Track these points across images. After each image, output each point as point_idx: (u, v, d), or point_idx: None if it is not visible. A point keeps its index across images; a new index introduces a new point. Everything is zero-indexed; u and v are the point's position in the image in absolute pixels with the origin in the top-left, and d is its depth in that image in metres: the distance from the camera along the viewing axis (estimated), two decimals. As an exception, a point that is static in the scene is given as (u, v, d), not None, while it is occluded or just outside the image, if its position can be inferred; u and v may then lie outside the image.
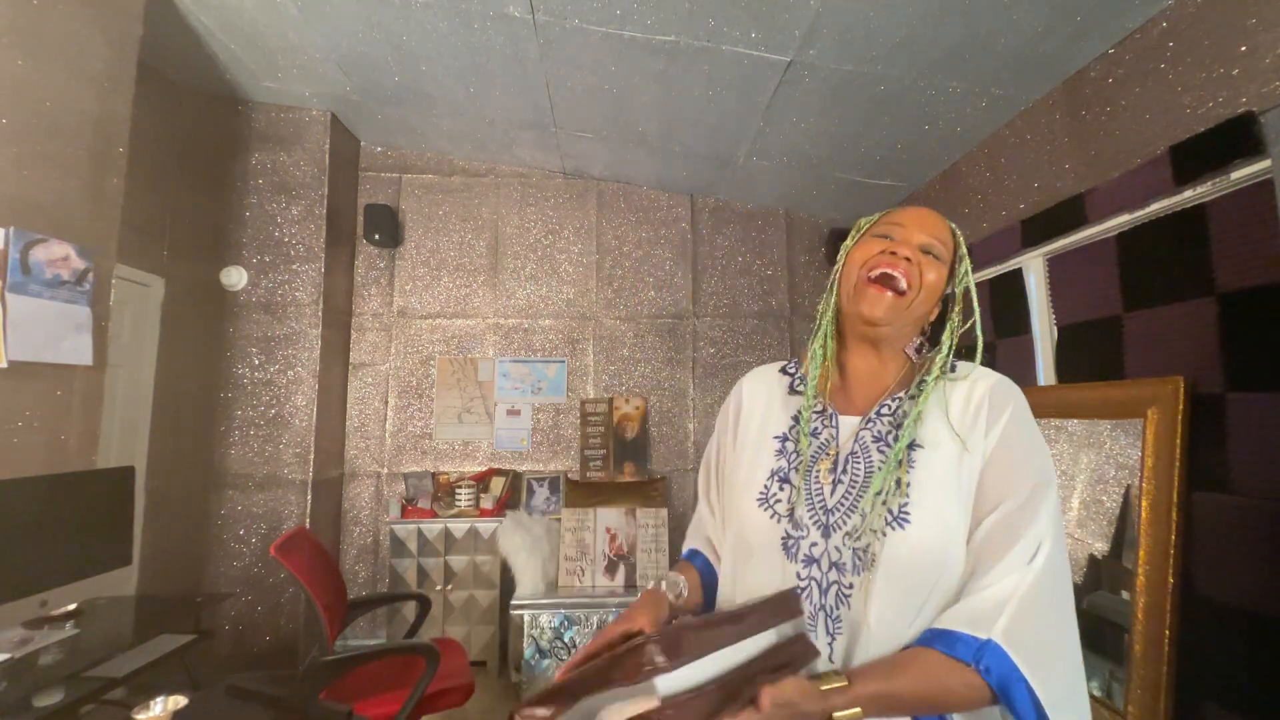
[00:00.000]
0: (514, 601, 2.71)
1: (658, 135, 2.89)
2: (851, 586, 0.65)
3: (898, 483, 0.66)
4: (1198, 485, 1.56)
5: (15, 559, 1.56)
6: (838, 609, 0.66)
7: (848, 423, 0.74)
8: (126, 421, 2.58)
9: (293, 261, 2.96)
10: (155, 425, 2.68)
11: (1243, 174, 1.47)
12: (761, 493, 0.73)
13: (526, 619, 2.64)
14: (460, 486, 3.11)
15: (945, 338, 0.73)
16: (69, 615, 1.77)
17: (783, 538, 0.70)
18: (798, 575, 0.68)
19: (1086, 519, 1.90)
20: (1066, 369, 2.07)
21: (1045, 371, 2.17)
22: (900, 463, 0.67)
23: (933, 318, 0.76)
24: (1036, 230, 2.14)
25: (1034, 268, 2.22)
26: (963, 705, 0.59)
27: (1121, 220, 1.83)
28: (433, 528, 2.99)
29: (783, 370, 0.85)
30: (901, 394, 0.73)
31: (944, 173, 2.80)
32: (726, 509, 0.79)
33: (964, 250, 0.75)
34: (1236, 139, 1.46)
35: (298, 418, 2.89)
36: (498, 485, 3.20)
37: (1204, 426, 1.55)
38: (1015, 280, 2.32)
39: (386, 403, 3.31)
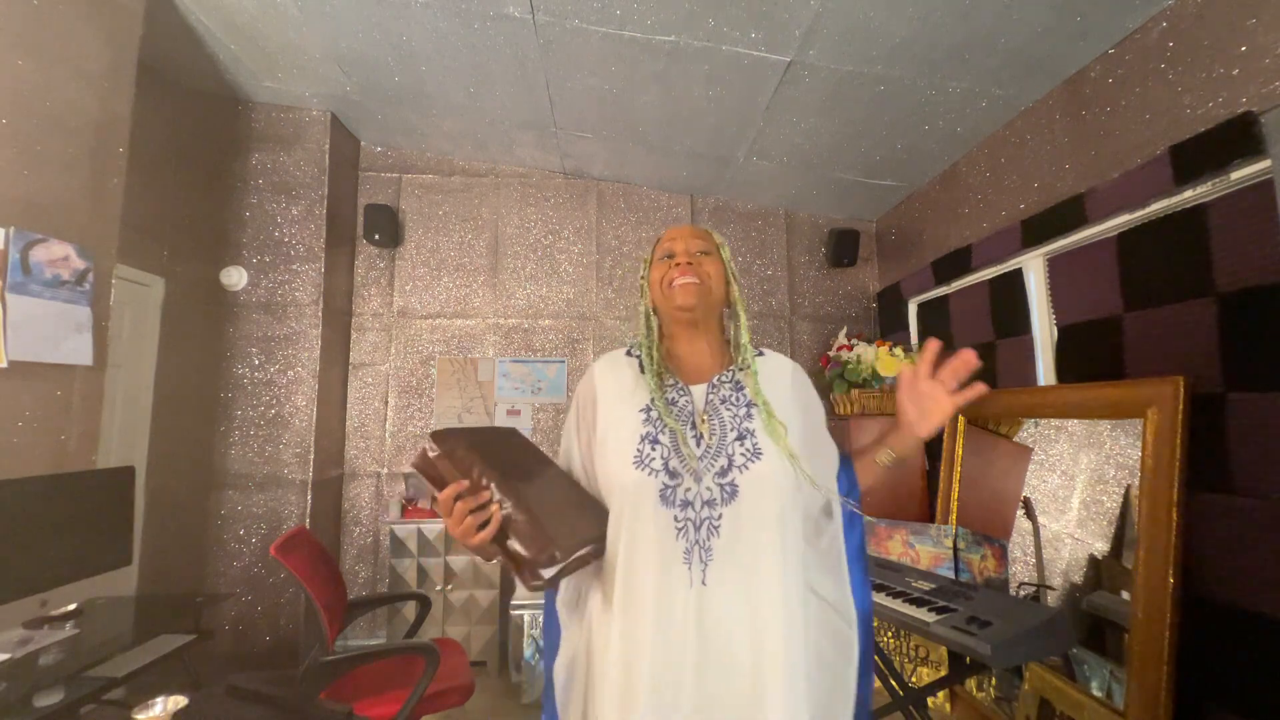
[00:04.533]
0: (514, 601, 2.71)
1: (658, 135, 2.89)
2: (720, 517, 0.82)
3: (749, 430, 0.87)
4: (1198, 485, 1.56)
5: (15, 559, 1.56)
6: (709, 540, 0.81)
7: (697, 389, 0.93)
8: (126, 421, 2.58)
9: (293, 261, 2.96)
10: (155, 425, 2.68)
11: (1243, 174, 1.47)
12: (635, 455, 0.85)
13: (526, 619, 2.64)
14: (460, 486, 3.11)
15: (740, 311, 0.98)
16: (69, 615, 1.77)
17: (660, 489, 0.83)
18: (674, 519, 0.82)
19: (1086, 519, 1.90)
20: (1066, 369, 2.07)
21: (1045, 371, 2.17)
22: (749, 415, 0.89)
23: (730, 298, 0.99)
24: (1036, 230, 2.14)
25: (1034, 268, 2.22)
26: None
27: (1121, 220, 1.83)
28: (433, 528, 2.99)
29: (628, 353, 1.01)
30: (732, 368, 0.95)
31: (944, 173, 2.80)
32: (605, 476, 0.89)
33: (721, 240, 1.00)
34: (1236, 139, 1.46)
35: (298, 418, 2.89)
36: (498, 485, 3.20)
37: (1204, 426, 1.55)
38: (1015, 280, 2.32)
39: (386, 403, 3.31)
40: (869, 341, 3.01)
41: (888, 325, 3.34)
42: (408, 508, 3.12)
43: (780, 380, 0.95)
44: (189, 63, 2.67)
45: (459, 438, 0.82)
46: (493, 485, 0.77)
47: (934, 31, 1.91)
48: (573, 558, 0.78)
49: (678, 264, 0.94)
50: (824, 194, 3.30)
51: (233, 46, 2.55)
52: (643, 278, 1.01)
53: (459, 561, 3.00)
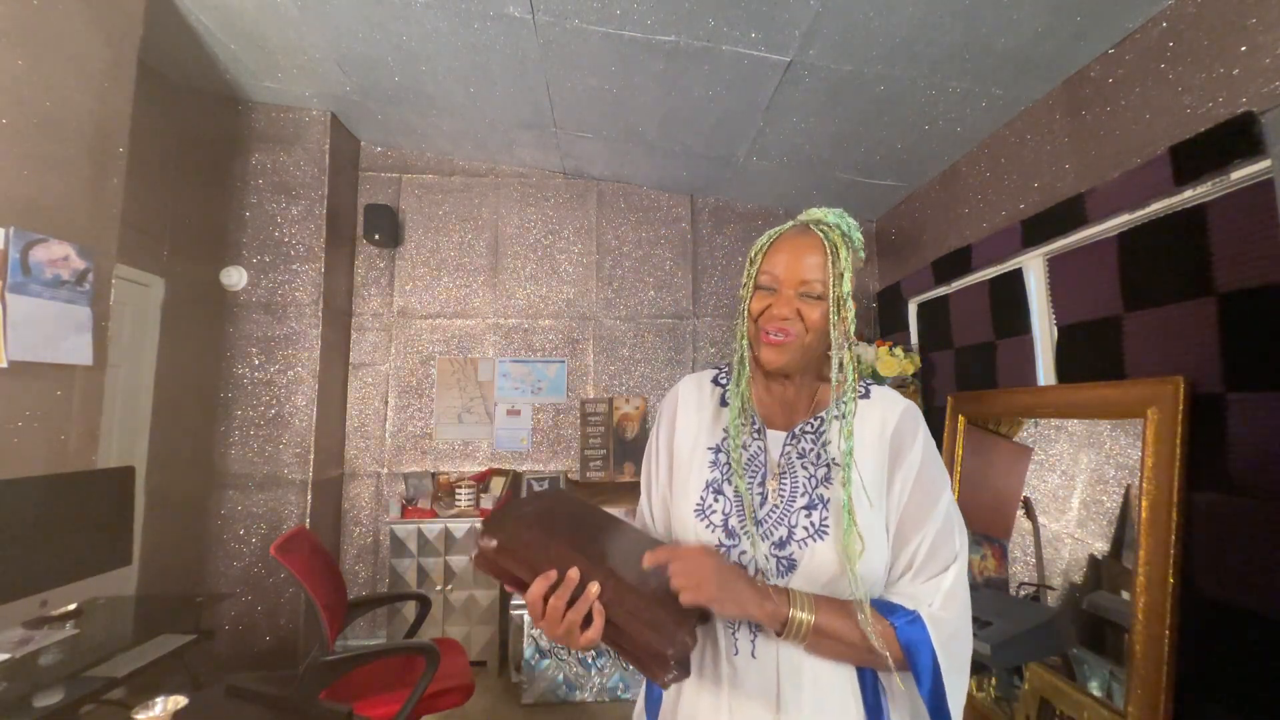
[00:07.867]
0: (514, 601, 2.71)
1: (658, 135, 2.89)
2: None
3: (821, 499, 0.74)
4: (1198, 485, 1.56)
5: (15, 559, 1.56)
6: None
7: (775, 437, 0.81)
8: (126, 421, 2.58)
9: (293, 261, 2.96)
10: (155, 425, 2.68)
11: (1243, 174, 1.47)
12: (698, 504, 0.78)
13: (526, 619, 2.64)
14: (460, 486, 3.11)
15: (848, 361, 0.76)
16: (69, 615, 1.77)
17: (716, 546, 0.75)
18: None
19: (1086, 519, 1.90)
20: (1066, 369, 2.07)
21: (1045, 371, 2.17)
22: (828, 479, 0.75)
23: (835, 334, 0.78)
24: (1036, 230, 2.14)
25: (1034, 268, 2.22)
26: (875, 656, 0.68)
27: (1121, 220, 1.83)
28: (433, 528, 2.99)
29: (715, 381, 0.89)
30: (823, 414, 0.79)
31: (944, 173, 2.80)
32: (675, 517, 0.82)
33: (845, 264, 0.75)
34: (1236, 139, 1.46)
35: (298, 418, 2.89)
36: (498, 485, 3.20)
37: (1204, 426, 1.55)
38: (1015, 280, 2.32)
39: (386, 403, 3.31)
40: (869, 341, 3.01)
41: (888, 325, 3.33)
42: (408, 508, 3.12)
43: (876, 431, 0.77)
44: (189, 63, 2.67)
45: (517, 520, 0.70)
46: (578, 570, 0.64)
47: (934, 31, 1.91)
48: (695, 635, 0.66)
49: (773, 314, 0.75)
50: (824, 194, 3.29)
51: (233, 46, 2.55)
52: (743, 289, 0.81)
53: (459, 561, 3.00)
